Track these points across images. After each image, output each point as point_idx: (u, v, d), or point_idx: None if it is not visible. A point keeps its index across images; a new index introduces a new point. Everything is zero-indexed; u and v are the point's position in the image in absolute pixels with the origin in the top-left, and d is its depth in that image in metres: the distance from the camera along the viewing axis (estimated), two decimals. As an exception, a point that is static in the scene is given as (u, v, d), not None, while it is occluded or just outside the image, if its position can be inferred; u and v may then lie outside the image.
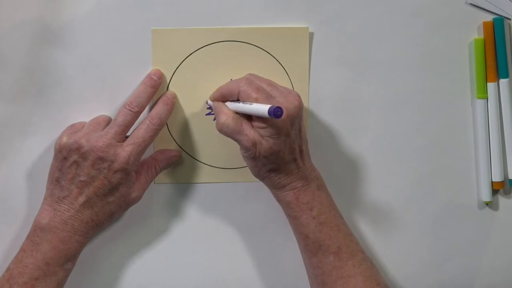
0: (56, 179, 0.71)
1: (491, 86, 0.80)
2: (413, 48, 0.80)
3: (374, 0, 0.79)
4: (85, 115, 0.77)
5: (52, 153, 0.74)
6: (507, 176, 0.82)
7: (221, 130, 0.70)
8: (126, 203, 0.72)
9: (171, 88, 0.78)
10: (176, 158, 0.78)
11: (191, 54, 0.77)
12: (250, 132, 0.68)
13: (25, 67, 0.76)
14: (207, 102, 0.77)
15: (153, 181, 0.79)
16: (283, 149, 0.69)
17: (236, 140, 0.69)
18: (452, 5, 0.80)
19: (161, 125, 0.73)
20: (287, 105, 0.68)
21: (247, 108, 0.68)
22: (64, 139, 0.71)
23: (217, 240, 0.81)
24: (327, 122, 0.80)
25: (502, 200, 0.83)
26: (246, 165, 0.80)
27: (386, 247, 0.82)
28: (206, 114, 0.79)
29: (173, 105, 0.76)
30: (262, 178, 0.72)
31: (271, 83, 0.71)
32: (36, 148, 0.77)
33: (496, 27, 0.79)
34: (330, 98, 0.80)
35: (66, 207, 0.70)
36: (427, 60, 0.80)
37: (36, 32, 0.76)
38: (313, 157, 0.80)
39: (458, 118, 0.82)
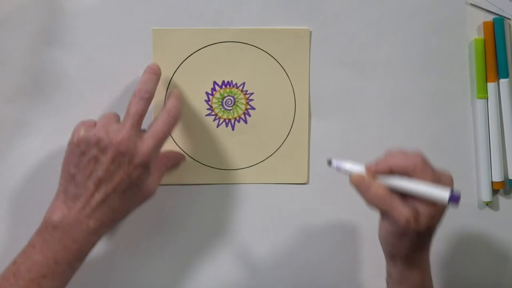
0: (71, 175, 0.67)
1: (491, 86, 0.80)
2: (413, 48, 0.80)
3: (374, 0, 0.79)
4: (85, 115, 0.77)
5: (52, 153, 0.74)
6: (507, 176, 0.82)
7: (372, 203, 0.65)
8: (143, 198, 0.69)
9: (171, 88, 0.78)
10: (182, 162, 0.78)
11: (192, 54, 0.77)
12: (404, 207, 0.63)
13: (25, 67, 0.76)
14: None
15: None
16: (435, 226, 0.66)
17: (386, 214, 0.65)
18: (452, 5, 0.80)
19: (179, 118, 0.71)
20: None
21: (419, 189, 0.63)
22: (82, 132, 0.67)
23: (217, 241, 0.81)
24: (327, 122, 0.80)
25: (502, 200, 0.83)
26: (246, 166, 0.80)
27: (386, 247, 0.82)
28: (206, 115, 0.79)
29: (181, 100, 0.75)
30: (401, 256, 0.68)
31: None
32: (36, 148, 0.77)
33: (496, 27, 0.79)
34: (330, 98, 0.80)
35: (81, 205, 0.66)
36: (427, 60, 0.80)
37: (36, 32, 0.76)
38: (312, 158, 0.80)
39: (458, 118, 0.82)
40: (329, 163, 0.68)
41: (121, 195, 0.67)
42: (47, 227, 0.67)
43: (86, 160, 0.67)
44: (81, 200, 0.66)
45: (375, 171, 0.65)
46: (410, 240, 0.65)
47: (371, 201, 0.64)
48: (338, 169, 0.68)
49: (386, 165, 0.65)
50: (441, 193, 0.62)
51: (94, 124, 0.70)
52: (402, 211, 0.63)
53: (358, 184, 0.65)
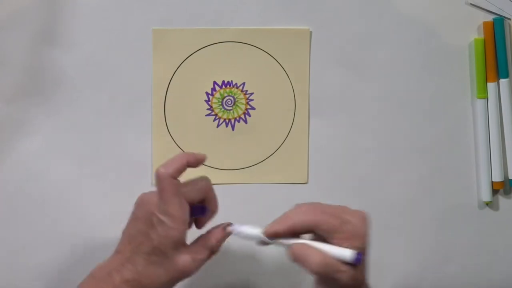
0: (122, 232, 0.67)
1: (491, 86, 0.80)
2: (413, 48, 0.80)
3: (374, 0, 0.79)
4: (85, 115, 0.77)
5: (52, 153, 0.74)
6: (507, 176, 0.82)
7: (319, 271, 0.61)
8: (176, 272, 0.65)
9: (171, 88, 0.78)
10: (226, 237, 0.69)
11: (192, 54, 0.77)
12: (345, 266, 0.61)
13: (25, 67, 0.76)
14: (263, 239, 0.65)
15: (152, 183, 0.79)
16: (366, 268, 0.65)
17: (333, 278, 0.62)
18: (452, 5, 0.80)
19: (167, 174, 0.65)
20: (361, 227, 0.63)
21: (328, 250, 0.62)
22: (142, 194, 0.67)
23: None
24: (327, 122, 0.80)
25: (502, 200, 0.83)
26: (246, 166, 0.80)
27: (386, 247, 0.82)
28: (206, 115, 0.79)
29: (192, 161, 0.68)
30: None
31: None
32: (36, 148, 0.77)
33: (496, 27, 0.79)
34: (330, 98, 0.80)
35: (117, 260, 0.65)
36: (427, 60, 0.80)
37: (36, 32, 0.76)
38: (312, 158, 0.80)
39: (458, 118, 0.82)
40: (202, 213, 0.67)
41: (146, 257, 0.64)
42: (89, 275, 0.67)
43: (130, 218, 0.67)
44: (119, 255, 0.66)
45: (274, 233, 0.64)
46: None
47: (317, 269, 0.62)
48: (238, 234, 0.66)
49: (286, 225, 0.63)
50: (346, 254, 0.61)
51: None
52: (347, 270, 0.61)
53: (300, 254, 0.62)
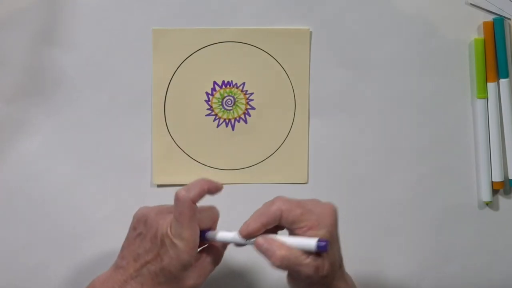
0: (122, 246, 0.67)
1: (491, 86, 0.80)
2: (413, 48, 0.80)
3: (374, 0, 0.79)
4: (85, 115, 0.77)
5: (52, 153, 0.74)
6: (507, 176, 0.82)
7: (281, 266, 0.62)
8: None
9: (171, 88, 0.78)
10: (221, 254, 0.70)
11: (192, 54, 0.77)
12: (308, 258, 0.61)
13: (25, 67, 0.76)
14: (239, 238, 0.65)
15: (152, 183, 0.79)
16: (337, 259, 0.65)
17: (296, 271, 0.62)
18: (452, 5, 0.80)
19: (188, 197, 0.65)
20: (326, 216, 0.63)
21: (294, 242, 0.62)
22: (143, 209, 0.67)
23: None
24: (327, 122, 0.80)
25: (502, 200, 0.83)
26: (246, 166, 0.80)
27: (386, 247, 0.82)
28: (206, 115, 0.79)
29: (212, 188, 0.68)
30: None
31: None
32: (36, 148, 0.77)
33: (496, 27, 0.79)
34: (330, 98, 0.80)
35: (120, 276, 0.65)
36: (427, 60, 0.80)
37: (36, 32, 0.76)
38: (312, 158, 0.80)
39: (458, 118, 0.82)
40: (205, 238, 0.66)
41: (154, 277, 0.64)
42: (91, 285, 0.67)
43: (134, 235, 0.66)
44: (121, 271, 0.66)
45: (248, 234, 0.64)
46: (321, 284, 0.63)
47: (279, 263, 0.62)
48: (214, 240, 0.66)
49: (257, 223, 0.64)
50: (309, 243, 0.61)
51: (165, 209, 0.68)
52: (309, 262, 0.61)
53: (266, 247, 0.63)
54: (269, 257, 0.62)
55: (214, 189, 0.66)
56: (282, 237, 0.63)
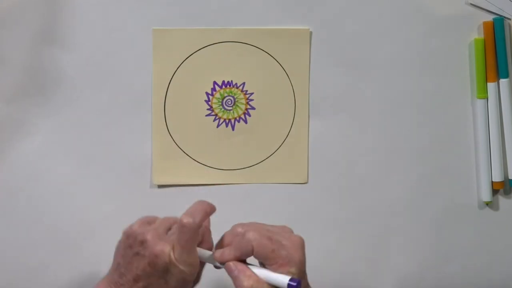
0: (117, 264, 0.67)
1: (491, 86, 0.80)
2: (413, 48, 0.80)
3: (374, 0, 0.79)
4: (85, 115, 0.77)
5: (52, 153, 0.74)
6: (507, 176, 0.82)
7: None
8: None
9: (171, 88, 0.78)
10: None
11: (192, 54, 0.77)
12: None
13: (25, 67, 0.76)
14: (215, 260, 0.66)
15: (152, 183, 0.79)
16: None
17: None
18: (452, 5, 0.80)
19: (195, 224, 0.65)
20: (296, 252, 0.63)
21: (265, 276, 0.62)
22: (135, 226, 0.67)
23: (215, 241, 0.81)
24: (327, 122, 0.80)
25: (502, 200, 0.83)
26: (246, 166, 0.80)
27: (386, 247, 0.82)
28: (206, 115, 0.79)
29: (211, 209, 0.67)
30: None
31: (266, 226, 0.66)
32: (36, 148, 0.77)
33: (496, 27, 0.79)
34: (330, 98, 0.80)
35: None
36: (427, 60, 0.80)
37: (36, 32, 0.76)
38: (312, 158, 0.80)
39: (458, 118, 0.82)
40: None
41: None
42: None
43: (131, 254, 0.66)
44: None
45: (222, 261, 0.64)
46: None
47: None
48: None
49: (231, 257, 0.64)
50: (281, 281, 0.61)
51: (154, 220, 0.68)
52: None
53: (236, 275, 0.63)
54: (237, 285, 0.62)
55: (213, 210, 0.66)
56: (254, 267, 0.63)
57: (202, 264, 0.67)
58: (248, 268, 0.63)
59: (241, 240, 0.63)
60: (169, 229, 0.67)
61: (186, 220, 0.63)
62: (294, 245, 0.64)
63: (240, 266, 0.63)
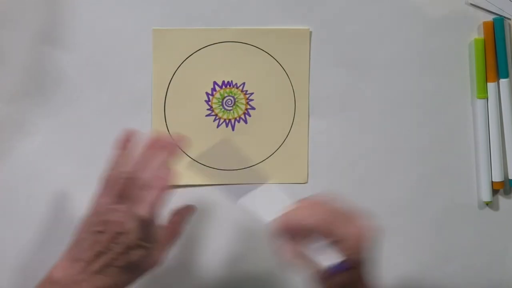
0: (80, 239, 0.68)
1: (491, 86, 0.80)
2: (413, 48, 0.80)
3: (374, 0, 0.79)
4: (85, 115, 0.77)
5: (52, 153, 0.74)
6: (507, 176, 0.82)
7: (287, 262, 0.66)
8: (148, 270, 0.69)
9: (171, 88, 0.78)
10: (193, 212, 0.74)
11: (192, 54, 0.77)
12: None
13: (25, 67, 0.76)
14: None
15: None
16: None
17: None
18: (452, 5, 0.80)
19: (165, 185, 0.68)
20: (357, 240, 0.65)
21: (315, 256, 0.63)
22: (97, 206, 0.69)
23: (217, 241, 0.81)
24: (327, 122, 0.80)
25: (502, 200, 0.83)
26: (246, 166, 0.80)
27: (386, 247, 0.82)
28: (206, 115, 0.79)
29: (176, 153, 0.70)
30: None
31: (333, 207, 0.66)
32: (36, 148, 0.77)
33: (496, 27, 0.79)
34: (330, 98, 0.80)
35: (81, 269, 0.67)
36: (427, 60, 0.80)
37: (36, 32, 0.76)
38: (312, 158, 0.80)
39: (458, 118, 0.82)
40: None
41: (120, 270, 0.67)
42: (45, 283, 0.68)
43: (93, 231, 0.68)
44: (81, 264, 0.67)
45: (285, 229, 0.65)
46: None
47: (287, 261, 0.65)
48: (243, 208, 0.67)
49: (296, 221, 0.65)
50: (328, 259, 0.62)
51: (116, 193, 0.68)
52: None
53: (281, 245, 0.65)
54: (280, 252, 0.65)
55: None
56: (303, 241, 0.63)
57: (165, 246, 0.69)
58: (295, 242, 0.65)
59: (300, 212, 0.65)
60: (141, 186, 0.67)
61: (157, 187, 0.66)
62: (360, 234, 0.64)
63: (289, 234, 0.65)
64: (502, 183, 0.82)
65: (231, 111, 0.79)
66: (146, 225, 0.66)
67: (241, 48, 0.78)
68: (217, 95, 0.79)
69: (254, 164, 0.80)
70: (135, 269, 0.68)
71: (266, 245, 0.81)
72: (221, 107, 0.79)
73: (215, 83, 0.78)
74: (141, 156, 0.68)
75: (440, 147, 0.82)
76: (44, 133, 0.77)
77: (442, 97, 0.81)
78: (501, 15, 0.80)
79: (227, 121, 0.79)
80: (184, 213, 0.73)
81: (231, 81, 0.79)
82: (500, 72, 0.80)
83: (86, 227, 0.68)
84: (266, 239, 0.81)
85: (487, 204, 0.83)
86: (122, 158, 0.69)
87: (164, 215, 0.68)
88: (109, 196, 0.67)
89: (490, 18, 0.80)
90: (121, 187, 0.67)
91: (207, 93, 0.79)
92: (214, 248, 0.81)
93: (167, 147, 0.69)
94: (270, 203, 0.67)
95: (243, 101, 0.79)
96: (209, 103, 0.79)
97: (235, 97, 0.79)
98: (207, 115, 0.79)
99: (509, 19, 0.80)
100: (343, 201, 0.65)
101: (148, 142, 0.69)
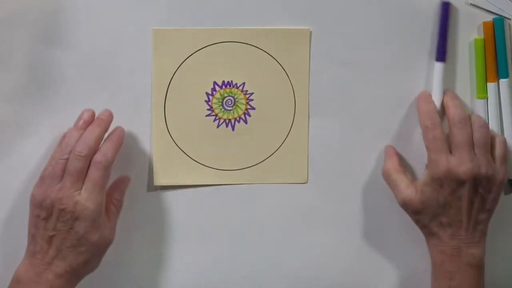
0: (32, 235, 0.72)
1: (491, 86, 0.80)
2: (413, 48, 0.80)
3: (374, 0, 0.79)
4: (85, 115, 0.77)
5: (51, 153, 0.74)
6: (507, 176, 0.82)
7: (383, 175, 0.79)
8: (100, 248, 0.72)
9: (171, 88, 0.78)
10: (128, 182, 0.78)
11: (192, 54, 0.77)
12: (405, 190, 0.76)
13: (25, 67, 0.76)
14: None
15: (152, 183, 0.79)
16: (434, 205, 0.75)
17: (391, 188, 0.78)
18: (452, 5, 0.80)
19: (108, 162, 0.71)
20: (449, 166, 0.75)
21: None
22: (33, 195, 0.72)
23: (217, 241, 0.81)
24: (327, 122, 0.80)
25: (502, 200, 0.83)
26: (246, 166, 0.80)
27: (386, 247, 0.82)
28: (206, 115, 0.79)
29: (120, 140, 0.74)
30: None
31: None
32: (36, 148, 0.77)
33: (496, 27, 0.79)
34: (330, 98, 0.80)
35: (39, 261, 0.70)
36: (427, 60, 0.80)
37: (36, 32, 0.76)
38: (312, 158, 0.80)
39: (458, 118, 0.81)
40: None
41: (73, 250, 0.70)
42: (13, 282, 0.72)
43: (40, 221, 0.71)
44: (38, 256, 0.70)
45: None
46: (449, 186, 0.74)
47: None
48: None
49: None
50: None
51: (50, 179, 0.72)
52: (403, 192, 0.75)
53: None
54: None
55: (121, 143, 0.74)
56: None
57: (111, 220, 0.74)
58: (397, 154, 0.79)
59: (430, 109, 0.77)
60: (81, 173, 0.71)
61: (100, 158, 0.71)
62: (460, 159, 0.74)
63: (391, 149, 0.80)
64: (502, 183, 0.81)
65: (231, 111, 0.79)
66: (86, 197, 0.70)
67: (241, 48, 0.78)
68: (217, 95, 0.79)
69: (254, 164, 0.80)
70: (87, 247, 0.70)
71: (266, 245, 0.82)
72: (221, 107, 0.79)
73: (215, 83, 0.78)
74: (77, 133, 0.73)
75: (440, 147, 0.81)
76: (44, 133, 0.77)
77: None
78: (501, 15, 0.80)
79: (227, 121, 0.79)
80: (121, 185, 0.77)
81: (231, 81, 0.79)
82: (500, 72, 0.80)
83: (33, 221, 0.71)
84: (266, 239, 0.81)
85: (487, 204, 0.83)
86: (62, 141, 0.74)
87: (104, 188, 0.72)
88: (44, 184, 0.71)
89: (490, 18, 0.80)
90: (59, 168, 0.71)
91: (207, 93, 0.79)
92: (214, 248, 0.81)
93: (101, 123, 0.73)
94: None
95: (243, 101, 0.79)
96: (209, 103, 0.79)
97: (235, 97, 0.79)
98: (207, 115, 0.79)
99: (509, 19, 0.80)
100: None
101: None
